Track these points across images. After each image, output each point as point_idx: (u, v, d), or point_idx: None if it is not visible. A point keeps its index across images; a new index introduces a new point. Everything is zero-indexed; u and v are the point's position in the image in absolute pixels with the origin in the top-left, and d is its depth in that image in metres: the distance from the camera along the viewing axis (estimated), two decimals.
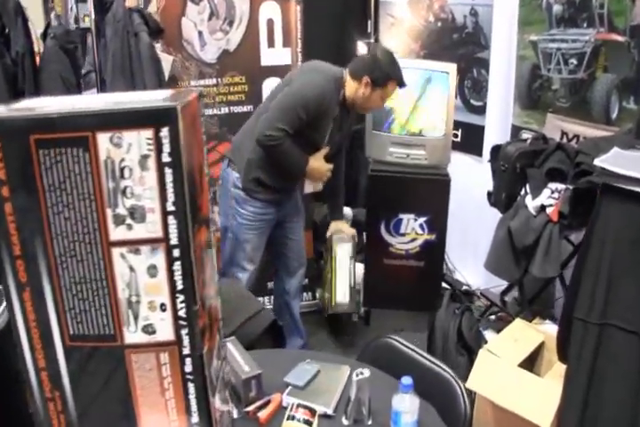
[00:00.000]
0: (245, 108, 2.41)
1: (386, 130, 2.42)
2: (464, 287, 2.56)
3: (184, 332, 0.69)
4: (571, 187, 1.69)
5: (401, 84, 1.98)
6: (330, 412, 1.16)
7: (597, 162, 1.35)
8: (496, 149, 2.07)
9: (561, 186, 1.80)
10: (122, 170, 0.63)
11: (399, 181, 2.37)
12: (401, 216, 2.39)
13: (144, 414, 0.72)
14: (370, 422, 1.14)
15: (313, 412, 1.12)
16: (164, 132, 0.62)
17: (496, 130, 2.59)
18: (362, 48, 2.87)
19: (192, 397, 0.72)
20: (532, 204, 1.88)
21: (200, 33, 2.32)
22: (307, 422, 1.09)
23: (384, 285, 2.46)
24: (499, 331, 1.95)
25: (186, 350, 0.70)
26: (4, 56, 1.95)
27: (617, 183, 1.27)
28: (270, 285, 2.46)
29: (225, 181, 2.04)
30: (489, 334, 2.09)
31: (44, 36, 2.07)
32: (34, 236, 0.65)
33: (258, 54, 2.42)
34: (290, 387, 1.23)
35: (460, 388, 1.21)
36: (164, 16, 2.27)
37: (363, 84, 1.92)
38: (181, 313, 0.68)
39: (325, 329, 2.63)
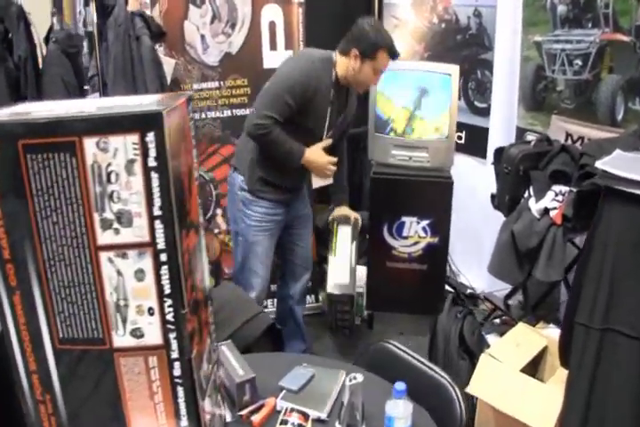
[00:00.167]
0: (248, 111, 2.41)
1: (388, 132, 2.41)
2: (468, 291, 2.54)
3: (172, 336, 0.69)
4: (574, 189, 1.67)
5: (392, 53, 1.87)
6: (323, 416, 1.15)
7: (599, 164, 1.33)
8: (499, 152, 2.04)
9: (565, 188, 1.78)
10: (108, 175, 0.63)
11: (402, 184, 2.35)
12: (404, 219, 2.38)
13: (133, 418, 0.73)
14: None
15: (306, 416, 1.11)
16: (150, 136, 0.62)
17: (500, 132, 2.57)
18: None
19: (181, 400, 0.72)
20: (535, 206, 1.85)
21: (202, 36, 2.33)
22: (300, 426, 1.08)
23: (387, 288, 2.45)
24: (502, 335, 1.93)
25: (174, 354, 0.70)
26: (6, 60, 1.97)
27: (618, 186, 1.25)
28: (273, 287, 2.46)
29: (231, 186, 2.04)
30: (493, 338, 2.06)
31: (47, 40, 2.09)
32: (23, 240, 0.66)
33: (260, 57, 2.42)
34: (284, 391, 1.22)
35: (456, 392, 1.20)
36: (167, 19, 2.28)
37: (352, 58, 1.84)
38: (169, 317, 0.68)
39: (328, 332, 2.62)
